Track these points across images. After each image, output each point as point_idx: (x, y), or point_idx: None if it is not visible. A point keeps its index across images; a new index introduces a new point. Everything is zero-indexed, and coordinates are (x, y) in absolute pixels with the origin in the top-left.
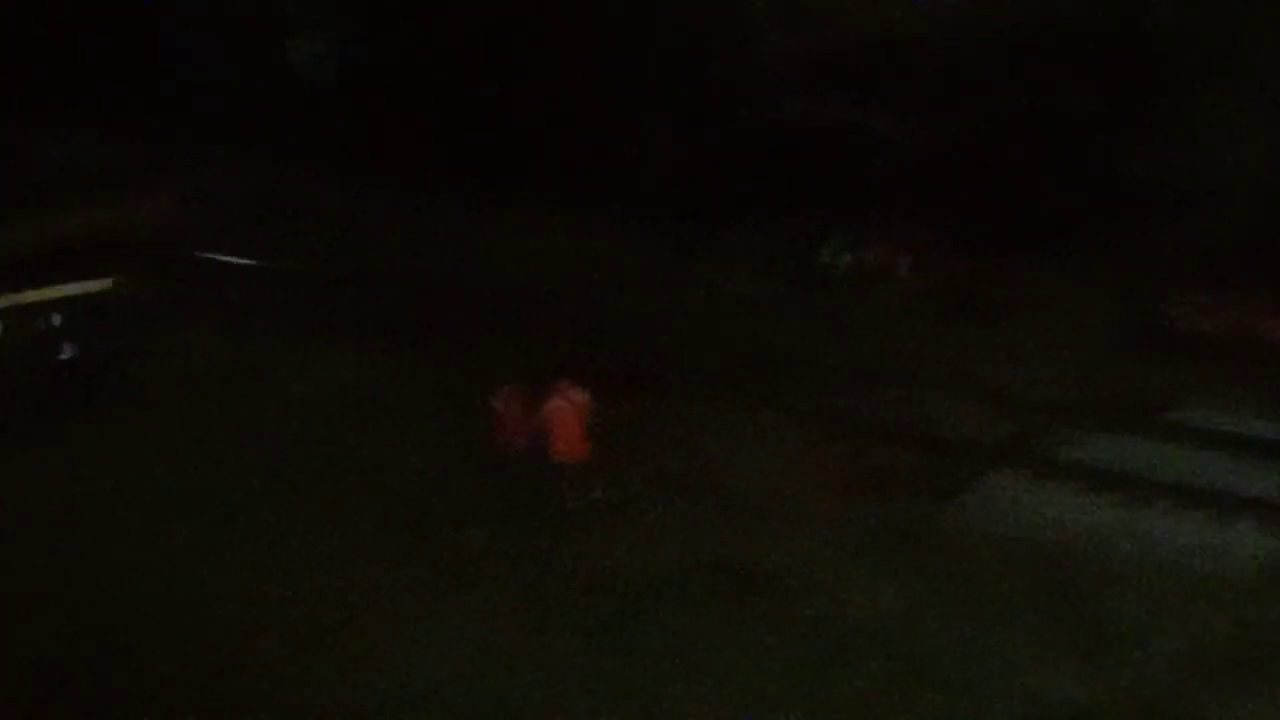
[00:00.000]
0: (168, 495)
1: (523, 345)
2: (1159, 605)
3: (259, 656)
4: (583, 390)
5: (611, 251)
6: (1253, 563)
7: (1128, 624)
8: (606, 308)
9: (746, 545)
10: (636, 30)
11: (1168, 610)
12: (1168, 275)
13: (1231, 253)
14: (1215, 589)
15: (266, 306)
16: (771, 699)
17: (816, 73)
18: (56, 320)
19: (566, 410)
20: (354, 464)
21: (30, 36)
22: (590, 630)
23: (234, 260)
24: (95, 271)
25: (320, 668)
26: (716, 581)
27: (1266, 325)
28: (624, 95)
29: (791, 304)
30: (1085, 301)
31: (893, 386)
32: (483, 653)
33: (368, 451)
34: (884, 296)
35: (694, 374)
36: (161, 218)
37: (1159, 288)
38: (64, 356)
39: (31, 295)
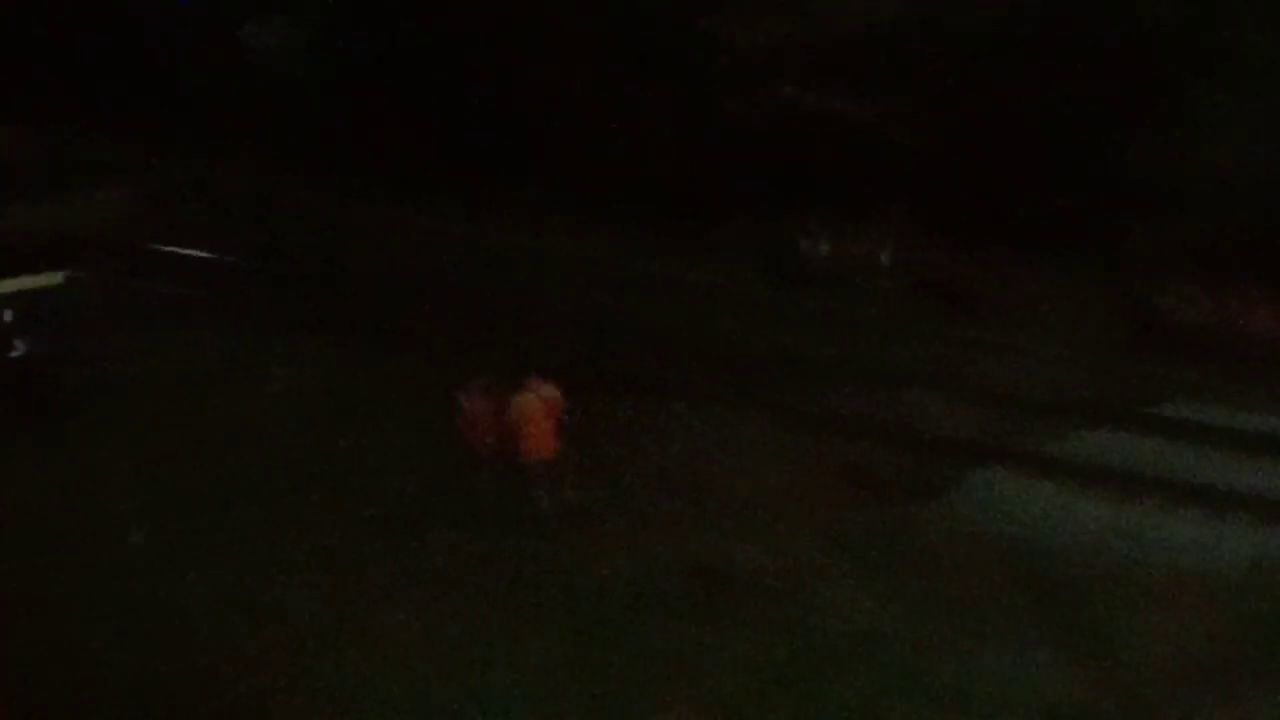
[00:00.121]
0: (124, 497)
1: (496, 343)
2: (1149, 602)
3: (226, 663)
4: (553, 386)
5: (586, 247)
6: (1244, 559)
7: (1117, 621)
8: (581, 304)
9: (727, 546)
10: (608, 21)
11: (1157, 607)
12: (1155, 268)
13: (1218, 246)
14: (1206, 585)
15: (225, 303)
16: (754, 702)
17: (796, 63)
18: (7, 316)
19: (535, 406)
20: (321, 465)
21: None
22: (568, 633)
23: (192, 254)
24: (47, 266)
25: (289, 676)
26: (696, 583)
27: (1254, 319)
28: (599, 89)
29: (772, 299)
30: (1071, 296)
31: (877, 384)
32: (458, 656)
33: (336, 452)
34: (866, 290)
35: (671, 371)
36: (116, 211)
37: (1146, 281)
38: (14, 354)
39: None
